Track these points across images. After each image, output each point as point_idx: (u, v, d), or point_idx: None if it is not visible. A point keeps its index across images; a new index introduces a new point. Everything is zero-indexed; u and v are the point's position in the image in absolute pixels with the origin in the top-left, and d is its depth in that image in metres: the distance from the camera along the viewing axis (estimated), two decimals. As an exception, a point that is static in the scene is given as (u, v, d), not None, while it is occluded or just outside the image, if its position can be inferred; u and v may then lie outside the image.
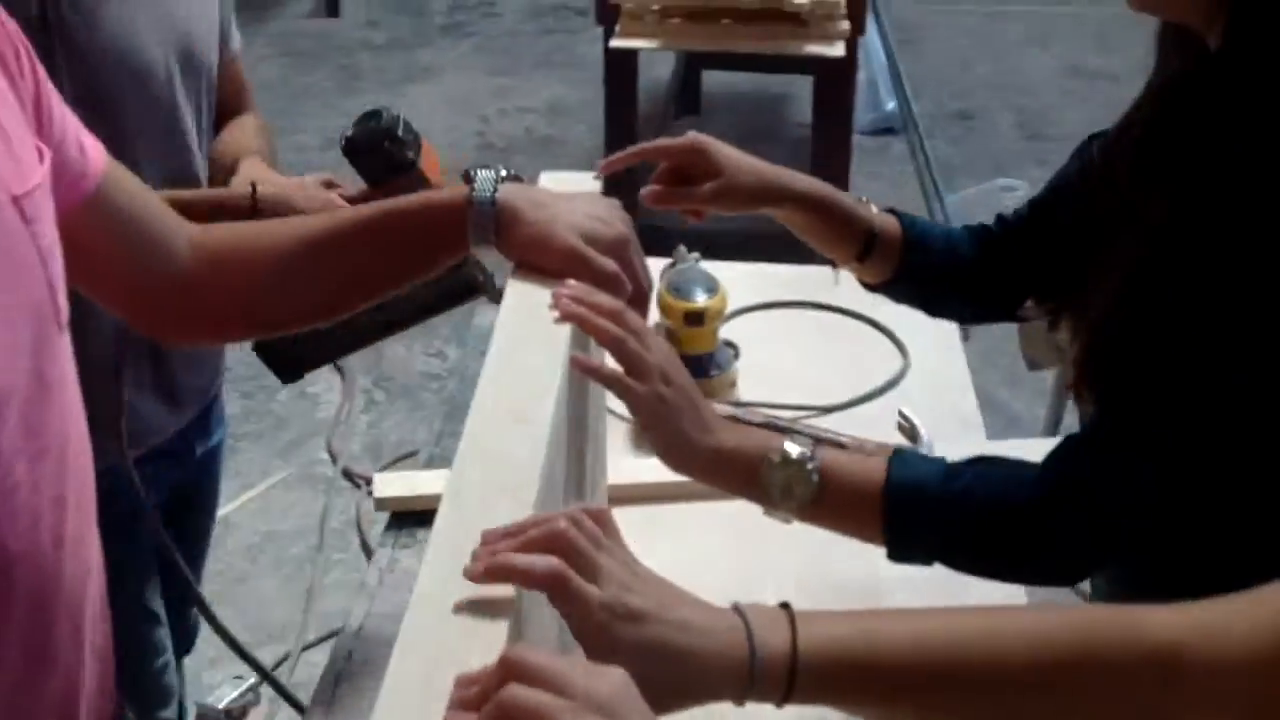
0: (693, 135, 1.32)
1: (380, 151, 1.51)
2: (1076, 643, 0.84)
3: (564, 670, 0.67)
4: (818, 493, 1.08)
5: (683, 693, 0.80)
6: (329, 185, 1.56)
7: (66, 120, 1.00)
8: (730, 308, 1.88)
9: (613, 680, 0.68)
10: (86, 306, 1.05)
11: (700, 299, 1.73)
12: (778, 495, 1.09)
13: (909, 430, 1.68)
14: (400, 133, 1.52)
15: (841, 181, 3.13)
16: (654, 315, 1.73)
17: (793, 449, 1.09)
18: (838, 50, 3.15)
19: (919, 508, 1.09)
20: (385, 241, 1.12)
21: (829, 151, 3.39)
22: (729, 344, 1.84)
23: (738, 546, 1.48)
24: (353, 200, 1.50)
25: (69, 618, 0.94)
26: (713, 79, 5.11)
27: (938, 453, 1.33)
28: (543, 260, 1.07)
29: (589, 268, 1.06)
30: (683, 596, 0.83)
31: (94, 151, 1.04)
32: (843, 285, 2.02)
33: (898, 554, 1.12)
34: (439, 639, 0.70)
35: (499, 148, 4.83)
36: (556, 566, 0.76)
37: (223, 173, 1.57)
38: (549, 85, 5.35)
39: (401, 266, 1.13)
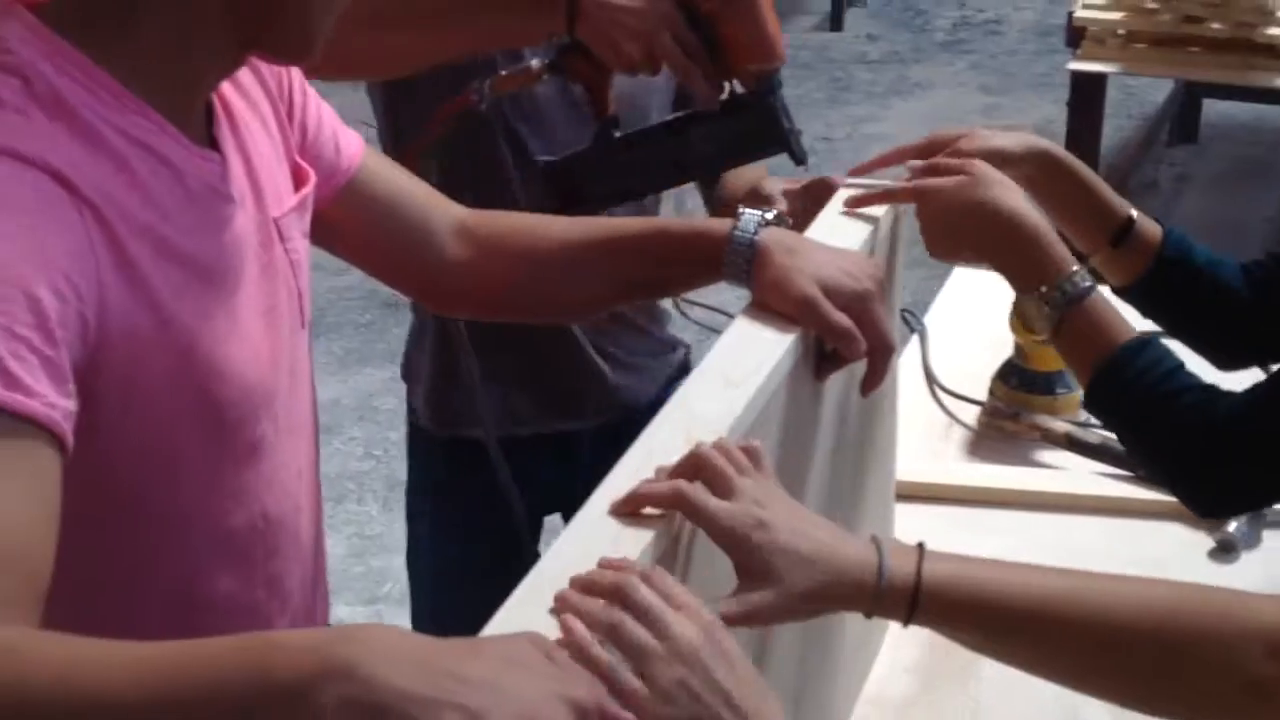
0: (948, 132, 1.35)
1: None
2: (1192, 609, 0.93)
3: (661, 613, 0.77)
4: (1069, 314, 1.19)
5: (815, 596, 0.89)
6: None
7: (323, 127, 1.16)
8: None
9: (700, 624, 0.78)
10: None
11: (1053, 318, 1.75)
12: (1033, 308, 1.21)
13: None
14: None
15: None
16: (996, 328, 1.77)
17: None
18: (1315, 82, 2.99)
19: (1140, 373, 1.17)
20: (649, 258, 1.22)
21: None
22: (1090, 367, 1.85)
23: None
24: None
25: (300, 566, 1.11)
26: (1213, 108, 4.90)
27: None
28: (779, 304, 1.10)
29: (820, 317, 1.09)
30: (818, 520, 0.93)
31: (349, 148, 1.19)
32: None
33: (1094, 402, 1.23)
34: (585, 546, 0.84)
35: (974, 165, 4.84)
36: (678, 487, 0.87)
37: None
38: (1040, 106, 5.30)
39: (658, 283, 1.24)
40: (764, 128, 1.38)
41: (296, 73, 1.14)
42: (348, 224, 1.20)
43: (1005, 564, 0.98)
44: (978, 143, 1.31)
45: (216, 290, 0.98)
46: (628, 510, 0.87)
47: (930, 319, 2.01)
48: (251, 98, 1.07)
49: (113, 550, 0.95)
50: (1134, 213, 1.33)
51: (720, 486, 0.89)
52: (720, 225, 1.17)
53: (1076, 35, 3.31)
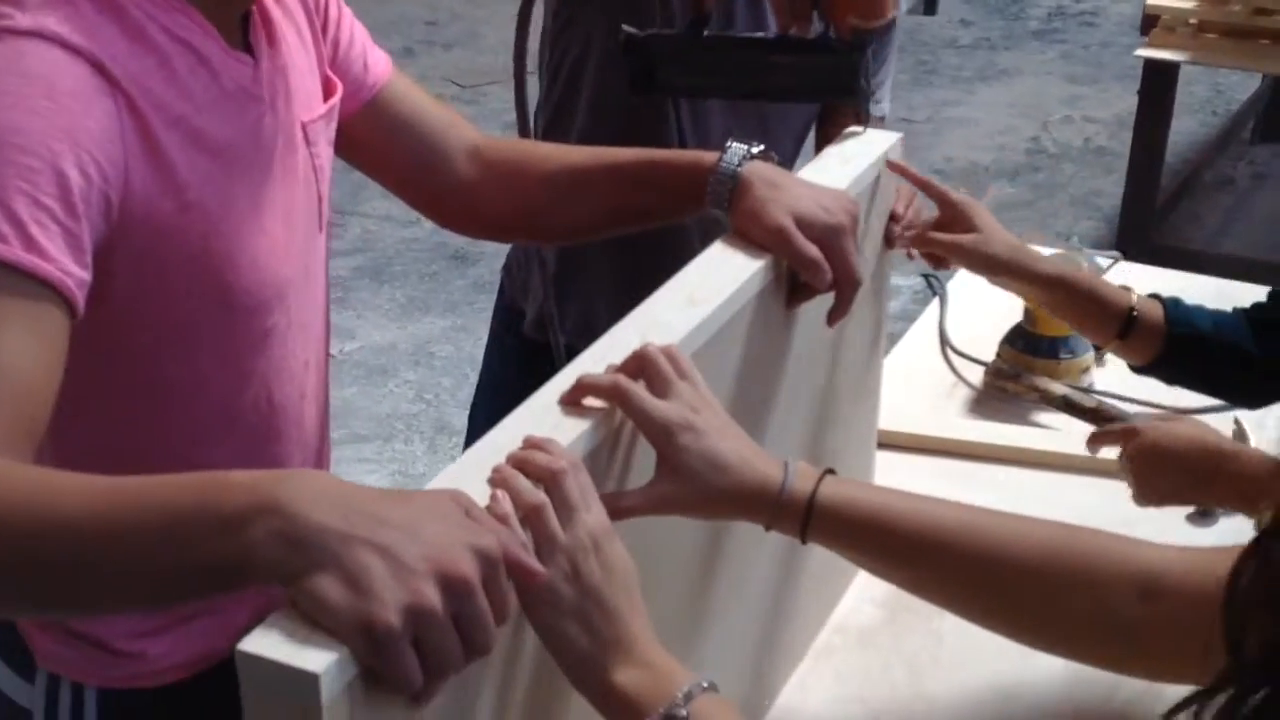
0: (968, 199, 1.42)
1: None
2: (1077, 548, 0.97)
3: (574, 509, 0.85)
4: None
5: (719, 500, 0.97)
6: None
7: (354, 44, 1.24)
8: None
9: (599, 526, 0.86)
10: None
11: (1061, 285, 1.79)
12: None
13: (1239, 435, 1.67)
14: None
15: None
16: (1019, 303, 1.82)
17: None
18: (1384, 81, 2.97)
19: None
20: (643, 184, 1.28)
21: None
22: (1100, 338, 1.89)
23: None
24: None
25: (301, 453, 1.21)
26: (1301, 108, 4.84)
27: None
28: (754, 232, 1.15)
29: (790, 246, 1.13)
30: (743, 437, 0.99)
31: (377, 67, 1.27)
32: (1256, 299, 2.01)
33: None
34: (527, 429, 0.91)
35: (1050, 153, 4.84)
36: (618, 381, 0.94)
37: None
38: (1125, 99, 5.25)
39: (651, 209, 1.30)
40: (842, 77, 1.41)
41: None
42: (369, 138, 1.28)
43: (904, 493, 1.04)
44: None
45: (240, 183, 1.07)
46: (572, 399, 0.95)
47: (953, 284, 2.06)
48: (288, 8, 1.16)
49: (121, 418, 1.05)
50: (1134, 300, 1.41)
51: (659, 386, 0.97)
52: (709, 156, 1.23)
53: (1150, 23, 3.31)
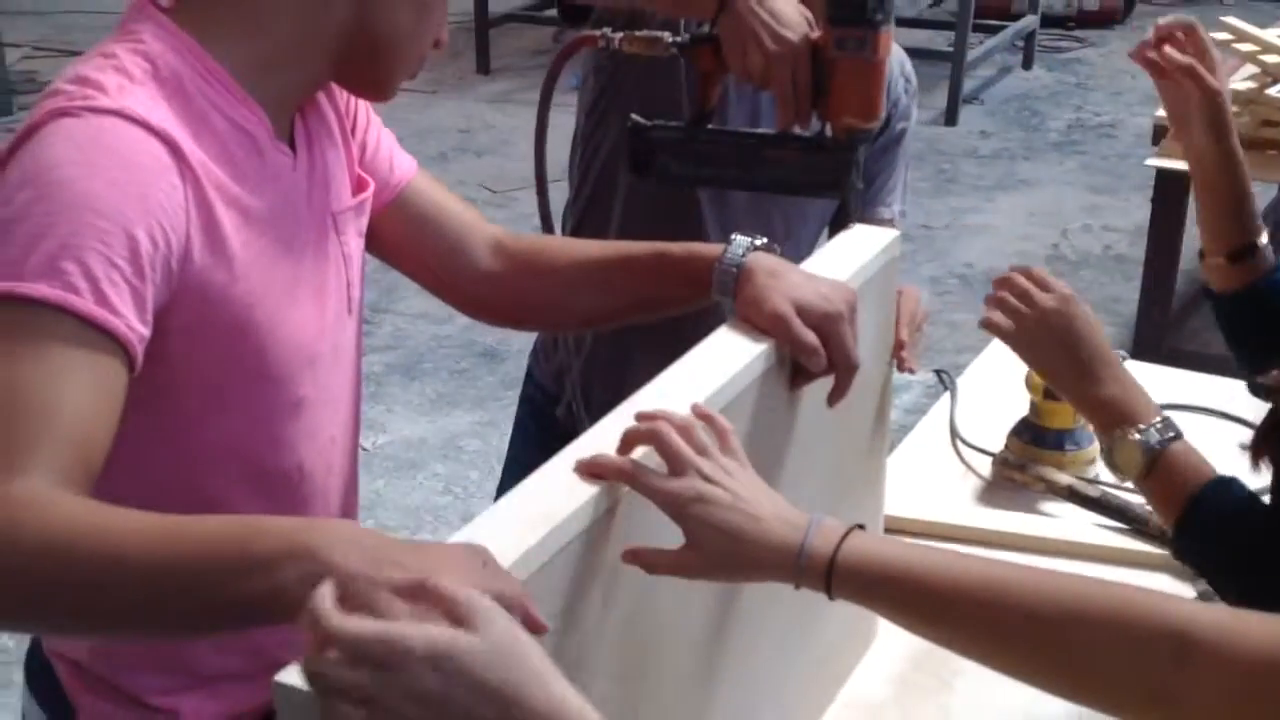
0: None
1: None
2: (1109, 606, 0.97)
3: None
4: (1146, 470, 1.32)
5: (735, 567, 1.03)
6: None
7: (380, 149, 1.33)
8: None
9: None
10: None
11: (1066, 378, 1.86)
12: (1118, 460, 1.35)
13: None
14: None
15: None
16: (1023, 390, 1.89)
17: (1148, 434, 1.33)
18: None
19: (1219, 521, 1.30)
20: (653, 275, 1.36)
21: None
22: (1106, 430, 1.95)
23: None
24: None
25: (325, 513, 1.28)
26: (1317, 218, 4.91)
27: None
28: (756, 318, 1.22)
29: (789, 332, 1.20)
30: (768, 495, 1.04)
31: (402, 168, 1.36)
32: (1257, 401, 2.06)
33: (1181, 549, 1.35)
34: (537, 492, 0.98)
35: (1070, 260, 4.92)
36: (626, 465, 1.01)
37: None
38: (1143, 208, 5.31)
39: (661, 299, 1.37)
40: (833, 174, 1.50)
41: (362, 101, 1.32)
42: (396, 232, 1.37)
43: (929, 547, 1.08)
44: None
45: (281, 262, 1.16)
46: (587, 472, 1.01)
47: (963, 379, 2.13)
48: (321, 110, 1.26)
49: (155, 474, 1.12)
50: (1262, 239, 1.54)
51: (672, 461, 1.03)
52: (715, 248, 1.31)
53: (1160, 133, 3.40)
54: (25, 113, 1.14)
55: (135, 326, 1.00)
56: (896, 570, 1.03)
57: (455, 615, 0.78)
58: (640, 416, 1.05)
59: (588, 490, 0.99)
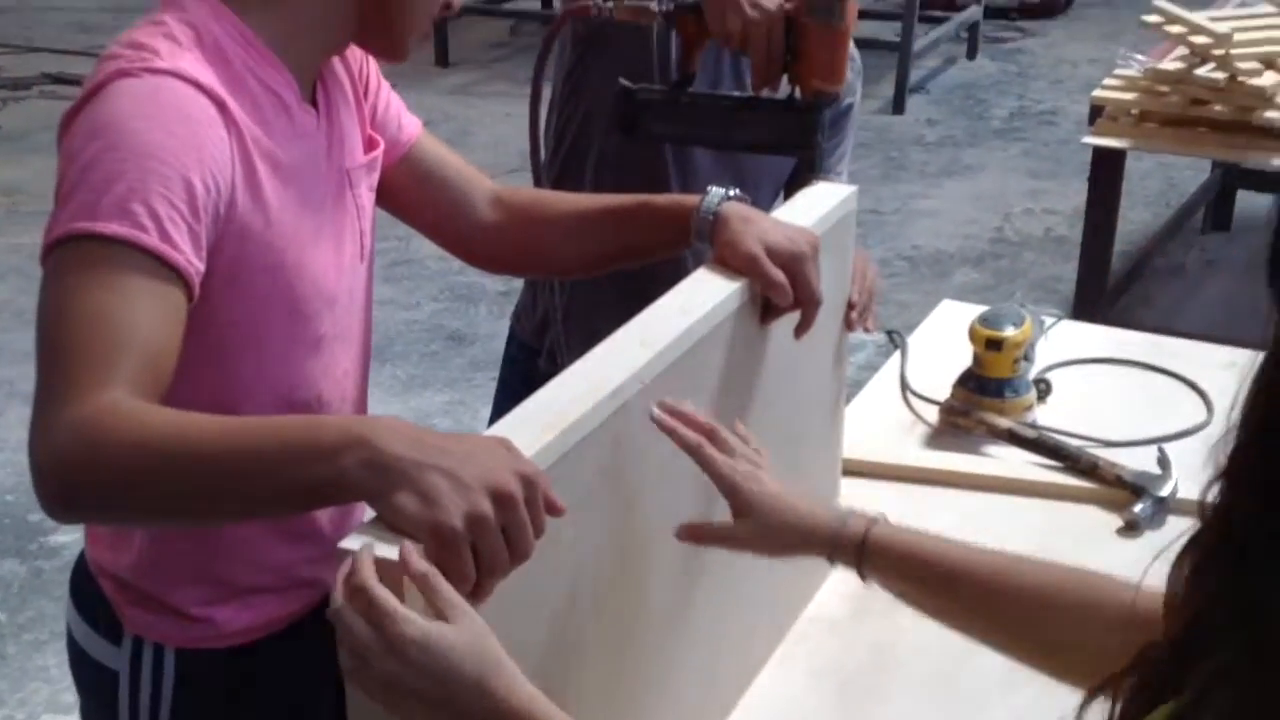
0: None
1: None
2: (1081, 589, 1.14)
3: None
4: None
5: (782, 536, 1.23)
6: None
7: (390, 110, 1.47)
8: (1065, 357, 2.22)
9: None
10: None
11: (1005, 330, 2.03)
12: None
13: (1163, 464, 1.89)
14: None
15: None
16: (961, 344, 2.05)
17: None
18: (1309, 166, 3.24)
19: None
20: (638, 224, 1.51)
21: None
22: (1042, 381, 2.12)
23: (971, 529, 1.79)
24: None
25: None
26: (1248, 200, 5.13)
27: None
28: (730, 259, 1.37)
29: (759, 270, 1.34)
30: (800, 492, 1.24)
31: (410, 128, 1.50)
32: (1181, 356, 2.25)
33: None
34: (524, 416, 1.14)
35: (1012, 241, 5.11)
36: (698, 441, 1.22)
37: None
38: (1083, 192, 5.51)
39: (646, 246, 1.52)
40: (801, 134, 1.67)
41: (374, 64, 1.47)
42: (404, 187, 1.52)
43: (937, 536, 1.24)
44: None
45: (306, 209, 1.30)
46: (665, 412, 1.21)
47: (913, 338, 2.30)
48: (338, 75, 1.40)
49: (202, 396, 1.26)
50: None
51: (723, 447, 1.22)
52: (693, 199, 1.45)
53: (1096, 113, 3.59)
54: None
55: (193, 261, 1.14)
56: (911, 550, 1.21)
57: (439, 609, 0.93)
58: (662, 406, 1.22)
59: (589, 402, 1.14)
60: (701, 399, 1.32)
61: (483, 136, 5.97)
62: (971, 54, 7.32)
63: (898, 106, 6.46)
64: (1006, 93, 6.82)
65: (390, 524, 0.95)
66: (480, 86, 6.70)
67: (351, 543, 0.94)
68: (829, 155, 2.00)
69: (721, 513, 1.38)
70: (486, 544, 0.95)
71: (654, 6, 1.66)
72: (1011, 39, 7.73)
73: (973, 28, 7.26)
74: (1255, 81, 3.24)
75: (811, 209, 1.52)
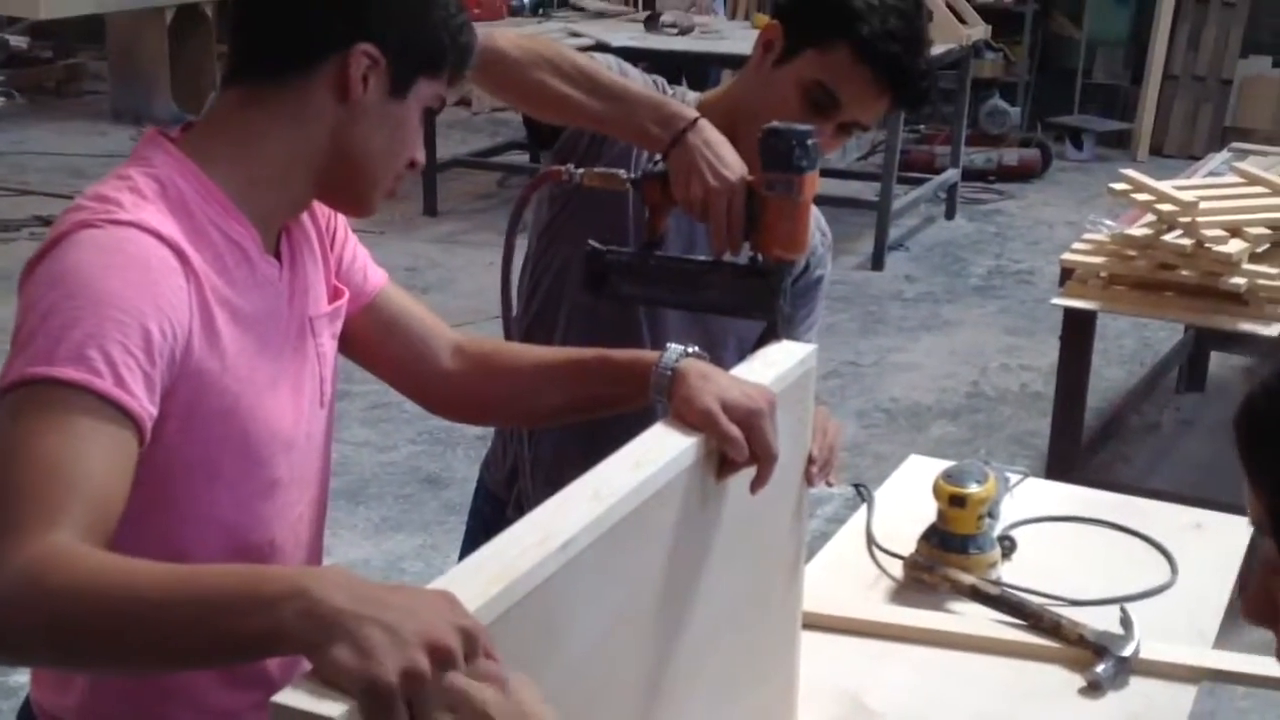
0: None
1: (787, 149, 1.63)
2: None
3: None
4: None
5: None
6: None
7: (355, 262, 1.50)
8: (1031, 515, 2.24)
9: None
10: None
11: (969, 487, 2.04)
12: None
13: (1125, 624, 1.89)
14: (809, 144, 1.63)
15: None
16: (928, 499, 2.07)
17: None
18: (1275, 330, 3.29)
19: None
20: (598, 378, 1.53)
21: None
22: (1007, 538, 2.13)
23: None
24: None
25: None
26: (1223, 361, 5.19)
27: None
28: (687, 415, 1.38)
29: (715, 426, 1.36)
30: None
31: (374, 278, 1.53)
32: (1148, 515, 2.27)
33: None
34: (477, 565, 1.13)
35: (988, 396, 5.15)
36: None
37: None
38: (1058, 349, 5.61)
39: (605, 399, 1.53)
40: (764, 299, 1.69)
41: (341, 218, 1.50)
42: (368, 336, 1.54)
43: None
44: None
45: (263, 355, 1.33)
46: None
47: (880, 493, 2.31)
48: (305, 227, 1.43)
49: (151, 540, 1.26)
50: None
51: None
52: (652, 355, 1.48)
53: (1066, 275, 3.66)
54: None
55: (146, 406, 1.16)
56: None
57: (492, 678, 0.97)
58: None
59: (537, 555, 1.15)
60: (656, 552, 1.33)
61: (466, 284, 6.04)
62: (950, 214, 7.46)
63: (877, 263, 6.55)
64: (984, 252, 6.93)
65: (324, 677, 0.95)
66: (466, 235, 6.80)
67: (286, 696, 0.94)
68: (798, 325, 2.03)
69: (675, 669, 1.38)
70: (421, 700, 0.95)
71: (622, 174, 1.71)
72: (990, 200, 7.88)
73: (951, 189, 7.41)
74: (1221, 248, 3.31)
75: (770, 367, 1.54)
